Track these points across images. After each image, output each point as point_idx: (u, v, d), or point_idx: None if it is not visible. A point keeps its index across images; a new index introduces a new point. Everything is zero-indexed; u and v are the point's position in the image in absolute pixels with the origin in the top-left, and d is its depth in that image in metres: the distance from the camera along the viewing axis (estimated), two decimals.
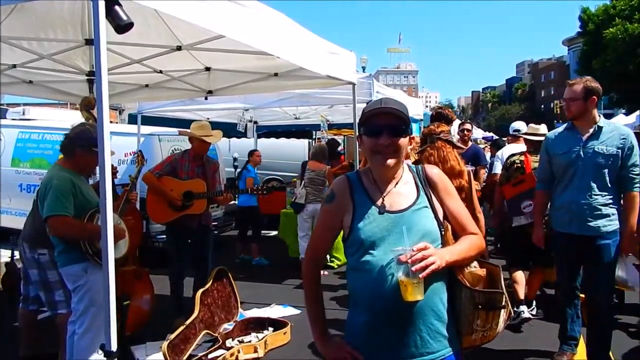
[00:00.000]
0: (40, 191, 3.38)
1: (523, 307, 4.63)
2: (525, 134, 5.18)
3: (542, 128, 4.99)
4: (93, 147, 2.99)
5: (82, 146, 3.40)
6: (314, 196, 6.62)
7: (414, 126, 9.03)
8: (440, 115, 4.22)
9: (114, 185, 3.63)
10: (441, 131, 3.67)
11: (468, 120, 8.75)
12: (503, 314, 1.77)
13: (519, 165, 4.71)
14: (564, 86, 3.93)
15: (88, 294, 3.31)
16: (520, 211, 4.48)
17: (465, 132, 7.31)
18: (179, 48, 4.17)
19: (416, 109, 9.13)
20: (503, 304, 1.75)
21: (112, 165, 3.41)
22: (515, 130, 6.39)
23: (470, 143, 7.34)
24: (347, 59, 4.99)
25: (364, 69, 20.37)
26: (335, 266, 7.04)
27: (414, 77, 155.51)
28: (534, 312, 4.80)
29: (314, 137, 12.93)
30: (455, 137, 3.91)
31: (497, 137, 13.03)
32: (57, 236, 3.32)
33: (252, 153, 7.98)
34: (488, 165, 7.04)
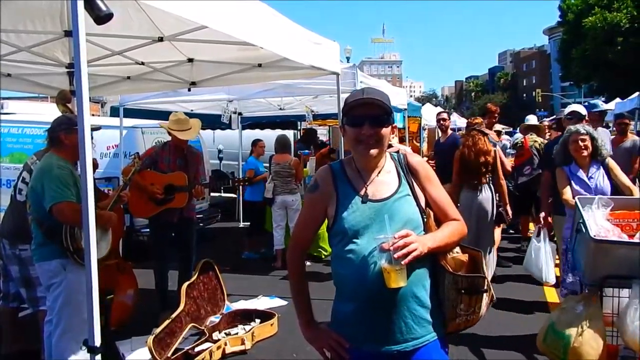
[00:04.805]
0: (34, 179, 3.24)
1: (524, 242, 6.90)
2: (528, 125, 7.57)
3: (532, 119, 7.78)
4: (74, 127, 2.91)
5: (64, 129, 3.31)
6: (282, 188, 6.82)
7: (398, 116, 9.07)
8: (487, 110, 6.80)
9: (94, 179, 3.59)
10: (476, 122, 5.68)
11: (445, 110, 8.86)
12: (485, 298, 1.80)
13: (520, 144, 7.08)
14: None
15: (64, 292, 3.20)
16: (522, 173, 6.78)
17: (441, 121, 7.44)
18: (160, 39, 4.12)
19: (400, 98, 9.15)
20: (485, 287, 1.79)
21: (93, 159, 3.34)
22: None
23: (449, 132, 7.47)
24: (330, 49, 4.98)
25: (348, 59, 20.41)
26: (323, 256, 7.07)
27: (398, 67, 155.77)
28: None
29: (299, 127, 12.90)
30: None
31: None
32: (68, 223, 3.15)
33: (255, 143, 7.82)
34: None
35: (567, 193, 3.87)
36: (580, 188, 3.84)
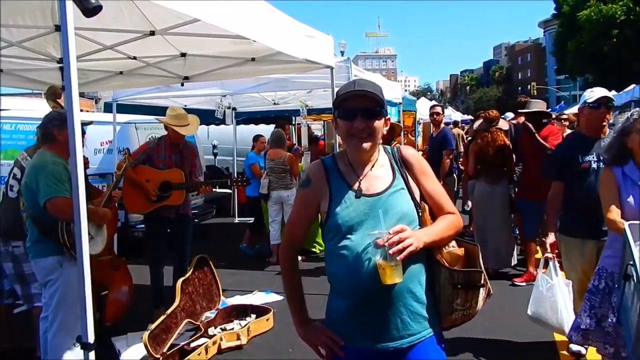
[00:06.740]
0: (28, 176, 3.22)
1: None
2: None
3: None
4: (66, 122, 2.90)
5: (56, 125, 3.29)
6: (277, 183, 6.83)
7: (393, 109, 9.03)
8: (519, 104, 6.62)
9: (86, 176, 3.56)
10: (495, 117, 5.91)
11: (438, 104, 8.81)
12: (482, 293, 1.78)
13: None
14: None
15: (61, 289, 3.19)
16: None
17: (434, 115, 7.38)
18: (152, 33, 4.07)
19: (395, 92, 9.12)
20: (482, 282, 1.77)
21: (84, 157, 3.32)
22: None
23: (442, 126, 7.42)
24: (324, 43, 4.95)
25: (342, 53, 20.24)
26: (318, 251, 7.06)
27: (392, 61, 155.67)
28: None
29: (293, 122, 12.84)
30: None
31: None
32: (63, 218, 3.13)
33: (256, 139, 7.91)
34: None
35: (614, 210, 2.70)
36: (636, 200, 2.68)
